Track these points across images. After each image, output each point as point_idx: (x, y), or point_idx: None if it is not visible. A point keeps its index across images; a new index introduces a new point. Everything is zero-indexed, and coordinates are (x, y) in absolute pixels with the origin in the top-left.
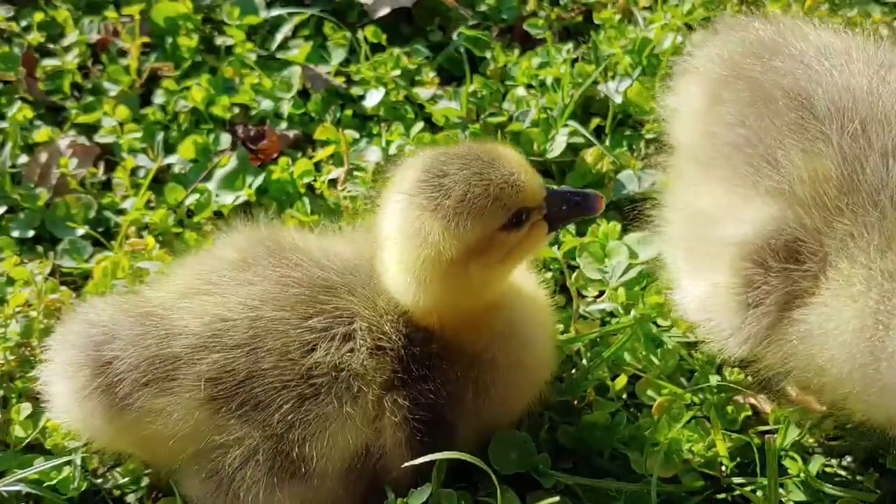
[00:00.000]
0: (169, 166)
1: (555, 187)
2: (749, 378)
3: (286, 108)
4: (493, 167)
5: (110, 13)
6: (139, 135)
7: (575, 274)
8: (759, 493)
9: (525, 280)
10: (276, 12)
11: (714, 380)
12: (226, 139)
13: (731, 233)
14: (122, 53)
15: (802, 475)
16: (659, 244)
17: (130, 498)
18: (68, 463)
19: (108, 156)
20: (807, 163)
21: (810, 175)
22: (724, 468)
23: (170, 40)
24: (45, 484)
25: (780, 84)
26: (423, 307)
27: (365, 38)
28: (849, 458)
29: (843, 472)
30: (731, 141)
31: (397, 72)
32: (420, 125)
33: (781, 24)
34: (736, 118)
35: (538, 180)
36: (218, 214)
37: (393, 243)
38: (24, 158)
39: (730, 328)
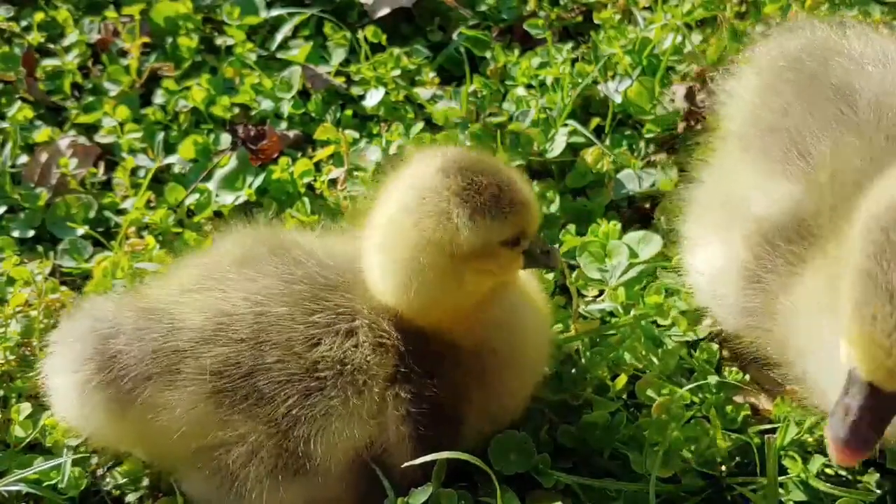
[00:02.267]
0: (169, 166)
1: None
2: (748, 377)
3: (286, 108)
4: (515, 184)
5: (110, 13)
6: (139, 135)
7: (575, 273)
8: (758, 492)
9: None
10: (276, 12)
11: (713, 379)
12: (226, 139)
13: (752, 210)
14: (123, 53)
15: (802, 475)
16: (686, 210)
17: (130, 497)
18: (68, 462)
19: (109, 156)
20: (834, 152)
21: (834, 165)
22: (723, 468)
23: (170, 40)
24: (45, 483)
25: (830, 79)
26: (406, 303)
27: (365, 38)
28: None
29: (843, 472)
30: (773, 126)
31: (397, 72)
32: (420, 125)
33: (848, 27)
34: (782, 107)
35: (537, 210)
36: (218, 214)
37: (396, 224)
38: (24, 158)
39: (734, 300)
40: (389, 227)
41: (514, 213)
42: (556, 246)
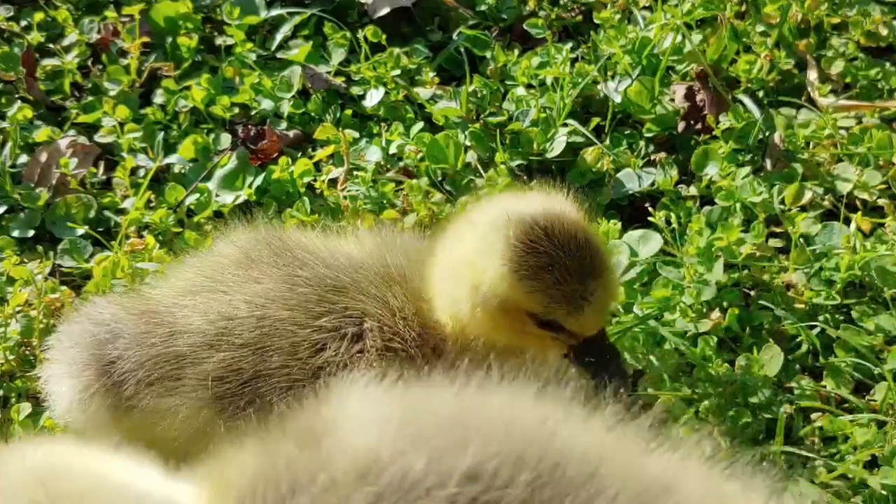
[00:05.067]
0: (169, 166)
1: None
2: None
3: (286, 107)
4: (581, 278)
5: (110, 13)
6: (139, 134)
7: None
8: None
9: None
10: (276, 12)
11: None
12: (226, 139)
13: None
14: (122, 53)
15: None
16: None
17: None
18: None
19: (108, 155)
20: None
21: None
22: None
23: (170, 40)
24: None
25: None
26: (459, 320)
27: (365, 38)
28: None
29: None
30: None
31: (397, 71)
32: (420, 125)
33: None
34: None
35: (597, 322)
36: (218, 214)
37: (463, 247)
38: (24, 158)
39: None
40: (453, 253)
41: (545, 298)
42: (623, 385)
